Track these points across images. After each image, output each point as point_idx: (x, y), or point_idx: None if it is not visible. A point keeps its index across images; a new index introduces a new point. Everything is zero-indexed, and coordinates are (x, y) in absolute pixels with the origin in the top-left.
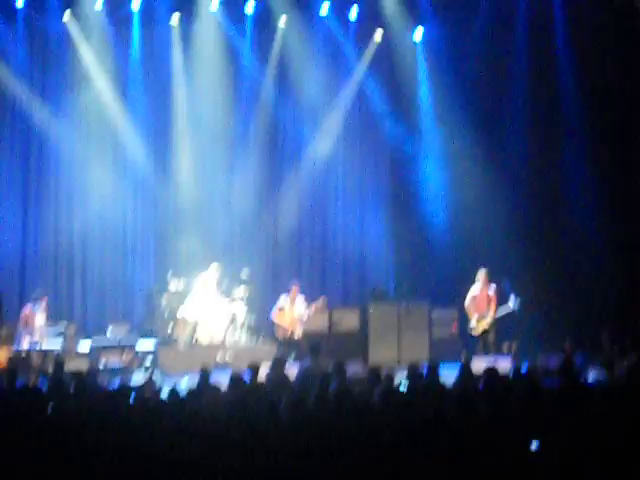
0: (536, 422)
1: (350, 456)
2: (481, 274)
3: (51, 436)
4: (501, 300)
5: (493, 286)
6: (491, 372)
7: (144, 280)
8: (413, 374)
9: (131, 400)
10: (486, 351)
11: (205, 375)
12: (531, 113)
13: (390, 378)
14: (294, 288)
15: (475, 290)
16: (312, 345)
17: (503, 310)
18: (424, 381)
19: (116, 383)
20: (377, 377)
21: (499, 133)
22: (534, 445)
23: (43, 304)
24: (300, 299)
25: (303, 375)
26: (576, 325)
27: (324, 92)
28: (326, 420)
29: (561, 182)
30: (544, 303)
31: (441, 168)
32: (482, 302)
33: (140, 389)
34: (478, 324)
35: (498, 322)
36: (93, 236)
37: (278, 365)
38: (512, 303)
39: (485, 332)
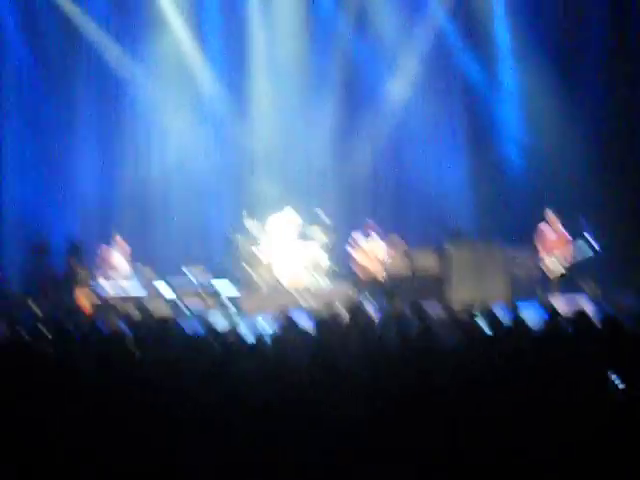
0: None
1: (432, 397)
2: (549, 213)
3: (140, 384)
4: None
5: (561, 228)
6: (582, 316)
7: (220, 222)
8: (489, 316)
9: (217, 346)
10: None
11: (289, 319)
12: (610, 49)
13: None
14: (369, 228)
15: (544, 228)
16: (387, 288)
17: (579, 255)
18: (507, 323)
19: (199, 327)
20: (457, 319)
21: (577, 70)
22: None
23: (118, 242)
24: (376, 239)
25: (381, 318)
26: None
27: (400, 32)
28: (407, 361)
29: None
30: (624, 243)
31: (518, 107)
32: (552, 241)
33: (224, 334)
34: (554, 267)
35: (574, 267)
36: (169, 178)
37: (359, 308)
38: (589, 244)
39: (562, 276)
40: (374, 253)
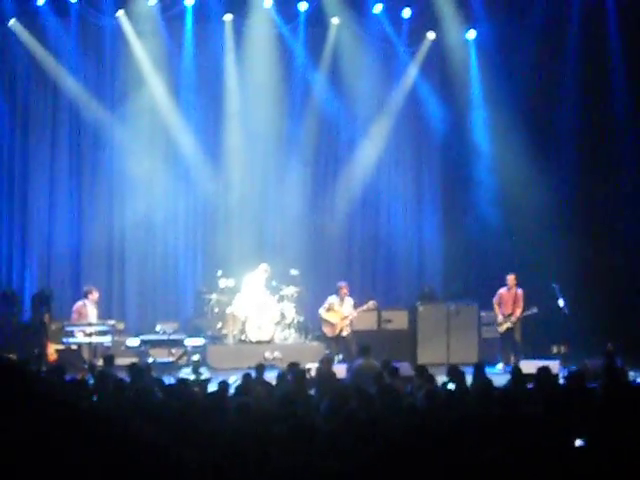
0: (583, 421)
1: (395, 455)
2: (510, 278)
3: (96, 427)
4: (532, 302)
5: (520, 290)
6: (544, 371)
7: (193, 280)
8: (455, 375)
9: (179, 394)
10: (514, 350)
11: (260, 371)
12: (583, 115)
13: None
14: (343, 289)
15: (502, 290)
16: (363, 345)
17: (528, 311)
18: (471, 381)
19: (165, 378)
20: (423, 376)
21: (551, 136)
22: (578, 442)
23: (94, 298)
24: (349, 300)
25: (355, 373)
26: (622, 328)
27: (376, 90)
28: (376, 418)
29: (612, 185)
30: (592, 306)
31: (493, 170)
32: (508, 301)
33: (188, 384)
34: (503, 322)
35: (524, 321)
36: (144, 235)
37: (326, 363)
38: (561, 304)
39: (509, 330)
40: (344, 311)
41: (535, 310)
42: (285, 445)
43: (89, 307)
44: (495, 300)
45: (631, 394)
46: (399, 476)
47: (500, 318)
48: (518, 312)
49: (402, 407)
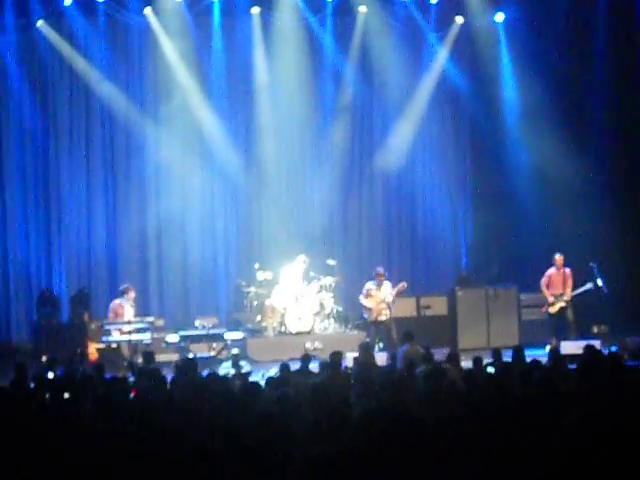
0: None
1: (436, 439)
2: (558, 258)
3: (136, 424)
4: (578, 283)
5: (568, 269)
6: (590, 349)
7: (231, 274)
8: (497, 358)
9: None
10: (569, 329)
11: (305, 361)
12: (614, 96)
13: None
14: (380, 274)
15: (550, 271)
16: (406, 331)
17: (582, 288)
18: (510, 364)
19: (205, 373)
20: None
21: (582, 116)
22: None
23: (131, 297)
24: (387, 284)
25: (403, 358)
26: None
27: (407, 77)
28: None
29: None
30: (631, 285)
31: (525, 151)
32: (558, 282)
33: (228, 378)
34: (555, 302)
35: (576, 300)
36: (179, 231)
37: (365, 350)
38: (600, 284)
39: (562, 309)
40: (383, 298)
41: (590, 286)
42: (314, 432)
43: (126, 306)
44: (544, 281)
45: None
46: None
47: (551, 299)
48: (569, 291)
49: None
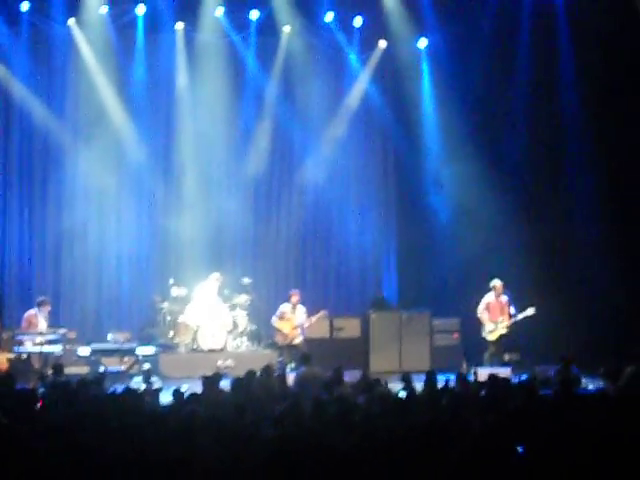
0: (529, 428)
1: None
2: (497, 284)
3: (45, 439)
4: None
5: (505, 297)
6: (493, 379)
7: (145, 289)
8: (407, 383)
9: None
10: (496, 356)
11: (216, 379)
12: (534, 122)
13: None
14: (294, 296)
15: (489, 298)
16: (303, 353)
17: (524, 313)
18: (421, 389)
19: (116, 388)
20: (371, 385)
21: (502, 142)
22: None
23: (46, 310)
24: (301, 308)
25: (297, 382)
26: (580, 336)
27: (328, 98)
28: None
29: (566, 193)
30: (544, 314)
31: (446, 177)
32: (496, 309)
33: (140, 393)
34: (495, 329)
35: (515, 327)
36: (95, 244)
37: (268, 371)
38: (512, 311)
39: (502, 336)
40: (296, 319)
41: (532, 312)
42: (216, 451)
43: (40, 317)
44: (481, 308)
45: (581, 402)
46: None
47: (491, 326)
48: (506, 318)
49: (351, 415)
